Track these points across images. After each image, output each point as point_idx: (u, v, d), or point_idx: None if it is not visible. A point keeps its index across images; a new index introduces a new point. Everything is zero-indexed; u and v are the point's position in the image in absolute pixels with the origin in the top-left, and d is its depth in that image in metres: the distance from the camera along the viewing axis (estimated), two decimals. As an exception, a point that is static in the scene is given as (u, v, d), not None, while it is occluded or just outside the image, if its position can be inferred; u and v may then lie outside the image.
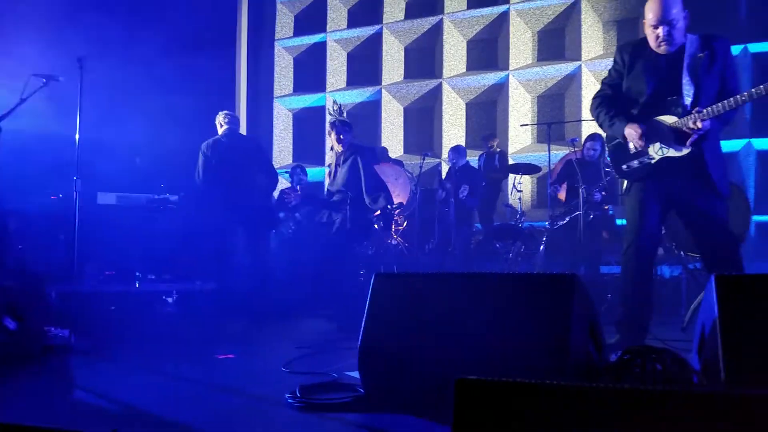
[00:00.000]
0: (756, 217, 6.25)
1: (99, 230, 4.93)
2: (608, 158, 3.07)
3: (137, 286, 5.10)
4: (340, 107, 4.69)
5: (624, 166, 2.90)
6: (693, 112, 2.66)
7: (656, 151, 2.81)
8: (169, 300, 4.94)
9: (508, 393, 1.32)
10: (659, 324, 3.10)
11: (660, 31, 2.70)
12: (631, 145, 2.88)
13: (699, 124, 2.62)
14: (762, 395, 1.18)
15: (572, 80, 7.61)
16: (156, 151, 6.22)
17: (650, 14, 2.73)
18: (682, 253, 4.05)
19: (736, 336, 1.70)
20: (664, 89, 2.77)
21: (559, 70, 7.65)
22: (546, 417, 1.28)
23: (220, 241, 4.96)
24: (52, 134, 4.90)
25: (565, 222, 5.12)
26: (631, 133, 2.81)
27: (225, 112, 5.17)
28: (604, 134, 7.44)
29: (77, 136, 4.35)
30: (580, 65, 7.45)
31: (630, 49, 2.91)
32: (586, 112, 7.33)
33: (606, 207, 5.69)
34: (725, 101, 2.59)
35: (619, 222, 5.79)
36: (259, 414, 2.10)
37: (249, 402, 2.25)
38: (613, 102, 2.94)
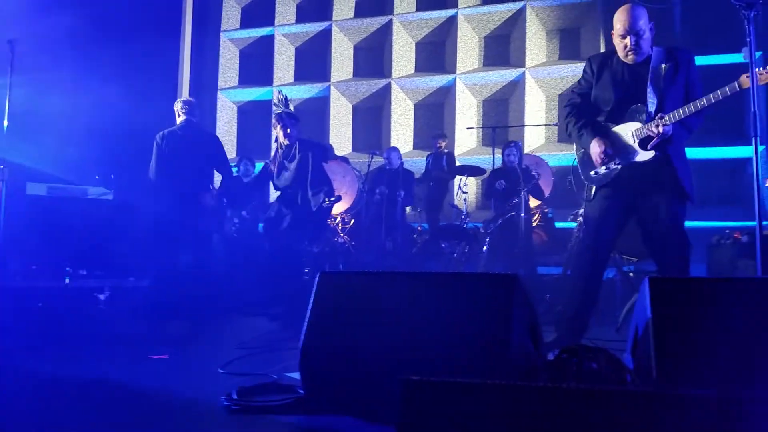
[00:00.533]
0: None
1: (27, 222, 4.68)
2: (575, 163, 3.13)
3: (67, 281, 4.87)
4: (285, 98, 4.59)
5: (592, 172, 2.97)
6: (656, 117, 2.76)
7: (623, 158, 2.89)
8: (101, 297, 4.73)
9: (452, 392, 1.32)
10: (594, 325, 3.20)
11: (628, 40, 2.81)
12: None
13: (661, 129, 2.72)
14: (691, 394, 1.22)
15: (516, 86, 7.77)
16: (91, 140, 5.94)
17: (618, 24, 2.83)
18: (617, 255, 4.20)
19: (667, 337, 1.76)
20: (629, 98, 2.86)
21: (504, 75, 7.80)
22: (487, 415, 1.29)
23: (159, 235, 4.77)
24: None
25: (498, 224, 5.34)
26: (594, 150, 2.89)
27: (182, 100, 4.85)
28: (528, 145, 7.56)
29: (5, 123, 4.11)
30: (524, 72, 7.62)
31: (599, 59, 3.01)
32: (529, 118, 7.52)
33: (546, 210, 5.85)
34: (686, 106, 2.70)
35: (558, 225, 5.97)
36: (192, 417, 2.02)
37: (182, 405, 2.16)
38: (581, 112, 3.03)
